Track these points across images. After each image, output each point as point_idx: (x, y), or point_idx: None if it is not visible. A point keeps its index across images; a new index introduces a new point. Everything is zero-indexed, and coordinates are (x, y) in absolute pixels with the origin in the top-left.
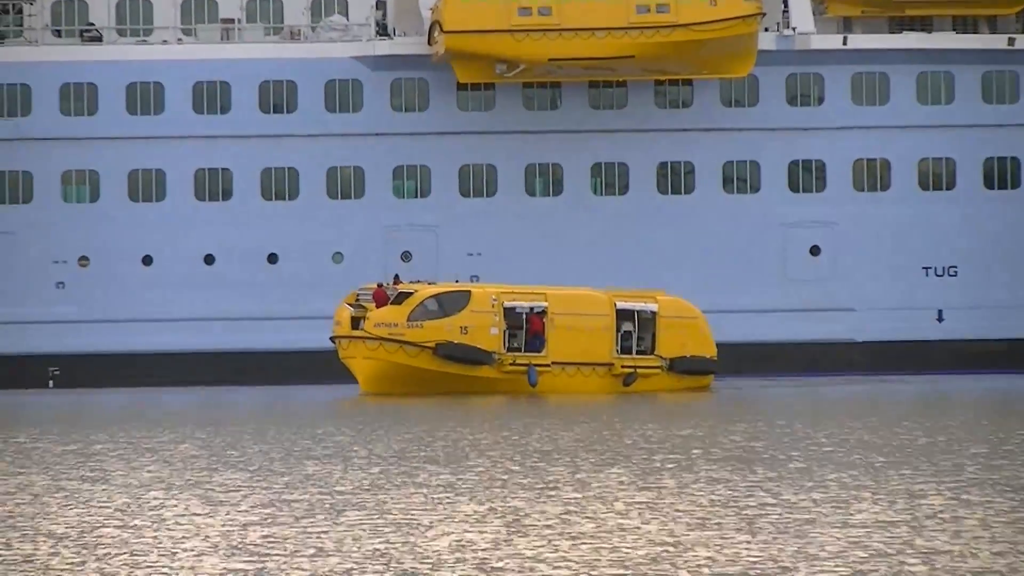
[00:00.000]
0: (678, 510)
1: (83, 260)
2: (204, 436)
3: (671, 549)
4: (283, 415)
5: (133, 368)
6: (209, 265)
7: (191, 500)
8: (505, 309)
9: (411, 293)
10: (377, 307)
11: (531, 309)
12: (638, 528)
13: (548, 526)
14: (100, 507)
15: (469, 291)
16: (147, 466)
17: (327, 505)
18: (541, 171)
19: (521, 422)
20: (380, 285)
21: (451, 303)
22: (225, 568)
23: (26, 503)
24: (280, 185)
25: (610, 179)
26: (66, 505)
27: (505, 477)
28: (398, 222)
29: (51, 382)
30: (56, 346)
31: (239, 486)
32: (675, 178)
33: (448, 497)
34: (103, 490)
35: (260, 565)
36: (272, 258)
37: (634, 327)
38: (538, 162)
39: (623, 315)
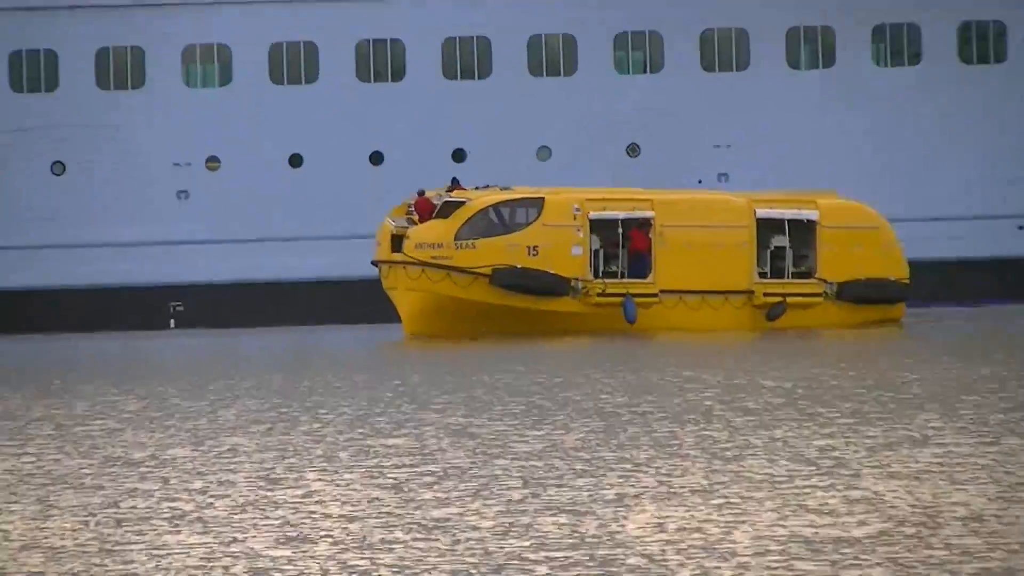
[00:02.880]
0: None
1: (212, 162)
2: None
3: None
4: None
5: (282, 301)
6: (376, 165)
7: None
8: (593, 221)
9: (461, 203)
10: (420, 221)
11: (630, 220)
12: None
13: None
14: None
15: (542, 198)
16: None
17: None
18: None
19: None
20: (421, 193)
21: (515, 214)
22: None
23: None
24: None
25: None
26: None
27: None
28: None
29: (172, 321)
30: (179, 274)
31: None
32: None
33: None
34: None
35: None
36: (458, 155)
37: (787, 242)
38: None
39: (769, 225)
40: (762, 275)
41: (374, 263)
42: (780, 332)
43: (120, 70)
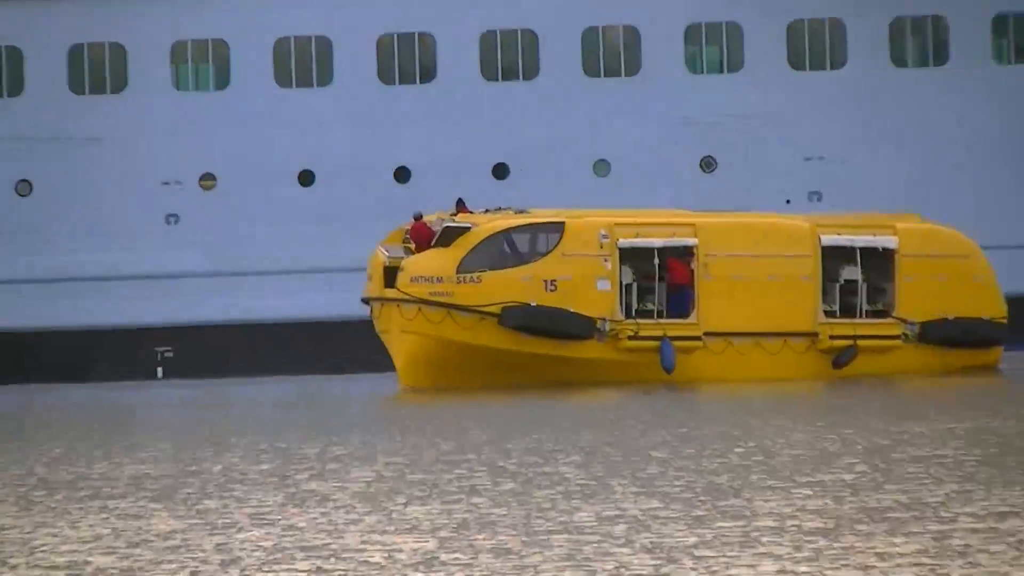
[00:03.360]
0: None
1: (207, 179)
2: None
3: None
4: None
5: (288, 344)
6: (402, 183)
7: None
8: (623, 250)
9: (465, 228)
10: (417, 251)
11: (668, 249)
12: None
13: None
14: None
15: (562, 222)
16: None
17: None
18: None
19: None
20: (418, 217)
21: (530, 242)
22: None
23: None
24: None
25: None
26: None
27: None
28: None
29: (160, 369)
30: (168, 314)
31: None
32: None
33: None
34: None
35: None
36: (499, 170)
37: (859, 274)
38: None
39: (837, 255)
40: (829, 314)
41: (365, 300)
42: (851, 381)
43: (97, 71)
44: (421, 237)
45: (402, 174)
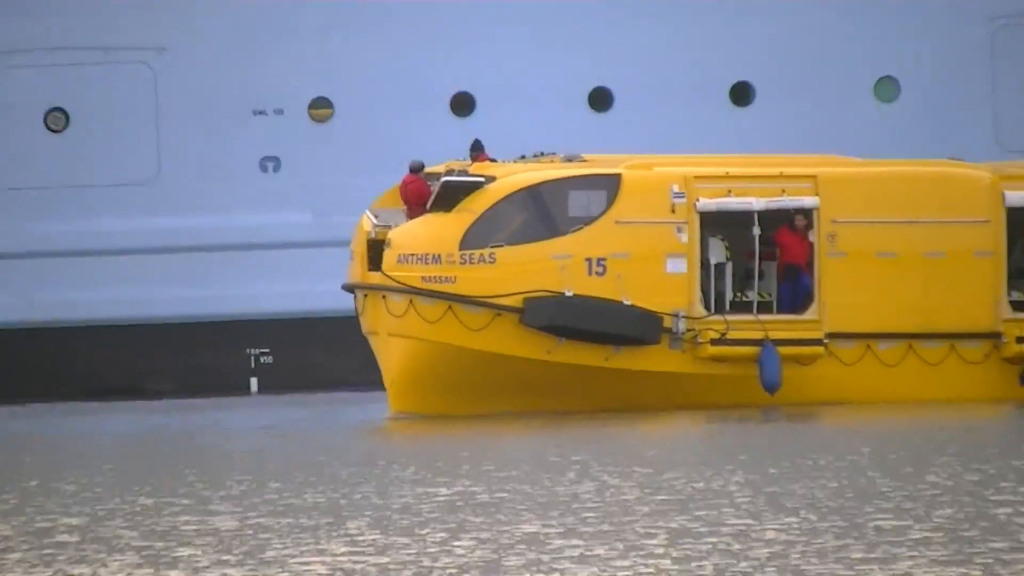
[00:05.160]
0: None
1: (319, 106)
2: None
3: None
4: None
5: None
6: (599, 111)
7: None
8: (706, 214)
9: (477, 183)
10: (410, 216)
11: (775, 212)
12: None
13: None
14: None
15: (617, 174)
16: None
17: None
18: None
19: None
20: (416, 169)
21: (569, 203)
22: None
23: None
24: None
25: None
26: None
27: None
28: None
29: (254, 379)
30: (264, 302)
31: None
32: None
33: None
34: None
35: None
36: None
37: None
38: None
39: (1017, 219)
40: (1018, 306)
41: (346, 288)
42: None
43: None
44: (415, 197)
45: (600, 98)
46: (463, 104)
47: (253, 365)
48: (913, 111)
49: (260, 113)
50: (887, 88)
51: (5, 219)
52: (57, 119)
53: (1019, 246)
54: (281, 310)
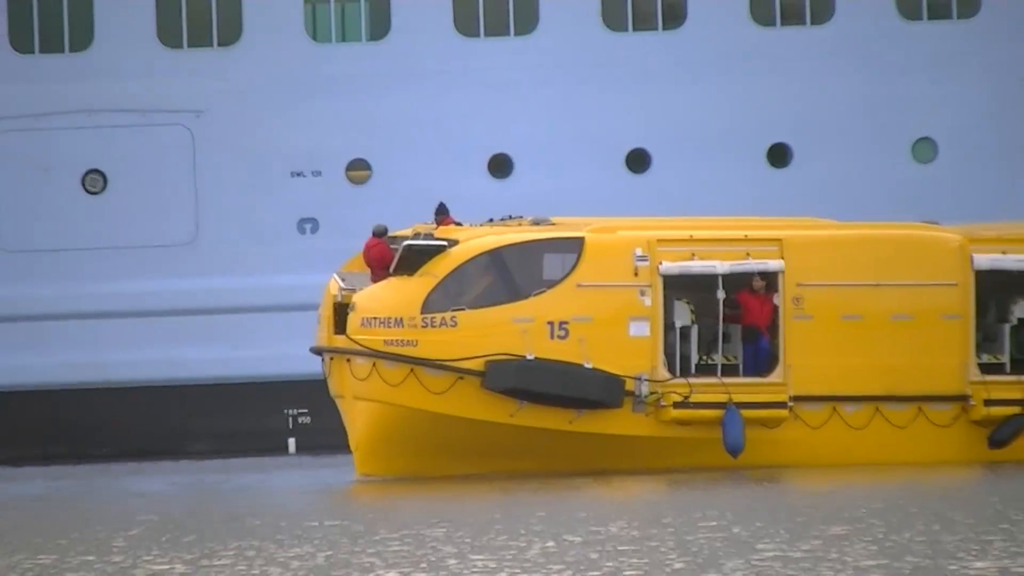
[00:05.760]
0: None
1: (357, 168)
2: None
3: None
4: None
5: None
6: (636, 172)
7: None
8: (668, 277)
9: (439, 247)
10: (374, 280)
11: (738, 275)
12: None
13: None
14: None
15: (579, 238)
16: None
17: None
18: None
19: None
20: (378, 234)
21: (533, 266)
22: None
23: None
24: None
25: None
26: None
27: None
28: None
29: (292, 440)
30: (301, 362)
31: None
32: None
33: None
34: None
35: None
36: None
37: None
38: None
39: (1001, 283)
40: (987, 369)
41: (313, 351)
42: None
43: (198, 16)
44: (378, 261)
45: (637, 159)
46: (501, 165)
47: (291, 425)
48: (951, 171)
49: (298, 175)
50: (925, 149)
51: (44, 280)
52: (95, 181)
53: (991, 309)
54: (319, 371)
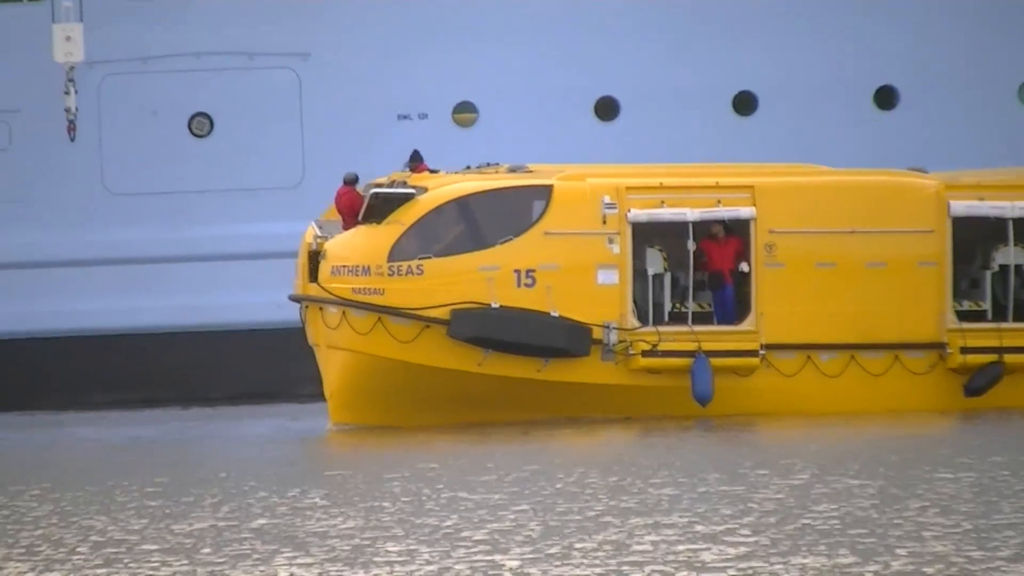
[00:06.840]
0: None
1: (463, 110)
2: None
3: None
4: None
5: None
6: (742, 115)
7: None
8: (637, 225)
9: (403, 195)
10: (344, 228)
11: (709, 223)
12: None
13: None
14: None
15: (549, 185)
16: None
17: None
18: None
19: None
20: (349, 183)
21: (499, 214)
22: None
23: None
24: None
25: None
26: None
27: None
28: None
29: None
30: None
31: None
32: None
33: None
34: None
35: None
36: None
37: (1013, 258)
38: None
39: (978, 229)
40: (964, 316)
41: (291, 299)
42: (995, 415)
43: None
44: (348, 209)
45: (744, 102)
46: (607, 108)
47: None
48: None
49: (404, 117)
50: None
51: (152, 224)
52: (201, 124)
53: (976, 256)
54: None
